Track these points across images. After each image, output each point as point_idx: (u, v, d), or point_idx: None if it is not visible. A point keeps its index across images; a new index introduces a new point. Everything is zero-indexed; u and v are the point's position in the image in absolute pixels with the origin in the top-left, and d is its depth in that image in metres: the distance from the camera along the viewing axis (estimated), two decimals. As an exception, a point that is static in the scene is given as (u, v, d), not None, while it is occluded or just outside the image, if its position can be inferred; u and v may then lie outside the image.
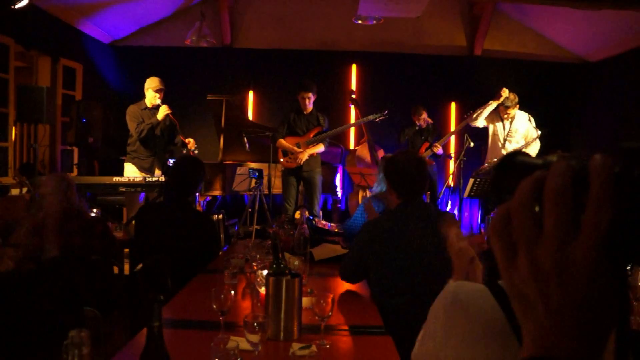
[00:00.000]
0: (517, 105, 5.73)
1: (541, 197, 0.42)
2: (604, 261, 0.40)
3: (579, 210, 0.40)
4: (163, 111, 5.11)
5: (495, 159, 5.81)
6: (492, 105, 5.83)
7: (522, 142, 5.74)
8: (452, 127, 7.27)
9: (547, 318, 0.41)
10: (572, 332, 0.41)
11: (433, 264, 2.26)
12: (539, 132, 5.70)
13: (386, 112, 5.68)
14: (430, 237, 2.30)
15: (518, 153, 0.50)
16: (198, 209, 5.27)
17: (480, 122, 5.93)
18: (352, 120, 7.28)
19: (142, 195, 5.15)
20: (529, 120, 5.76)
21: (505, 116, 5.74)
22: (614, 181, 0.39)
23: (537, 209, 0.42)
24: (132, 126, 5.17)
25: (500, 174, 0.49)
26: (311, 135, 5.40)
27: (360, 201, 6.07)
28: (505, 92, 5.75)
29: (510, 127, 5.79)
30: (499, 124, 5.86)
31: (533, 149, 5.76)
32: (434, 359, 1.09)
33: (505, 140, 5.80)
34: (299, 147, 5.36)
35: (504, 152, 5.76)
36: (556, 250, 0.41)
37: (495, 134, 5.90)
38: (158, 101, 5.15)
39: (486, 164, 5.93)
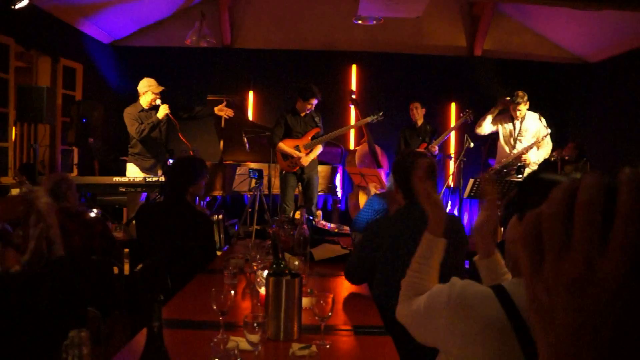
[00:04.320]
0: (528, 102, 5.65)
1: (572, 208, 0.41)
2: (631, 276, 0.39)
3: (609, 224, 0.39)
4: (163, 110, 5.08)
5: (504, 160, 5.74)
6: (494, 112, 5.81)
7: (532, 141, 5.65)
8: (452, 129, 7.26)
9: (568, 332, 0.41)
10: (594, 347, 0.40)
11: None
12: (549, 130, 5.63)
13: (381, 113, 5.68)
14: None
15: (541, 171, 0.50)
16: (199, 209, 5.27)
17: (486, 129, 5.86)
18: (352, 120, 7.28)
19: (144, 195, 5.13)
20: (539, 119, 5.68)
21: (518, 113, 5.64)
22: None
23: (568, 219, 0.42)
24: (131, 127, 5.12)
25: (524, 192, 0.49)
26: (310, 137, 5.39)
27: (361, 199, 6.08)
28: (502, 99, 5.77)
29: (520, 126, 5.71)
30: (508, 125, 5.77)
31: (546, 148, 5.69)
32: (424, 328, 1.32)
33: (515, 140, 5.72)
34: (297, 149, 5.35)
35: (514, 152, 5.69)
36: (583, 263, 0.40)
37: (505, 135, 5.81)
38: (158, 102, 5.12)
39: (497, 165, 5.87)
